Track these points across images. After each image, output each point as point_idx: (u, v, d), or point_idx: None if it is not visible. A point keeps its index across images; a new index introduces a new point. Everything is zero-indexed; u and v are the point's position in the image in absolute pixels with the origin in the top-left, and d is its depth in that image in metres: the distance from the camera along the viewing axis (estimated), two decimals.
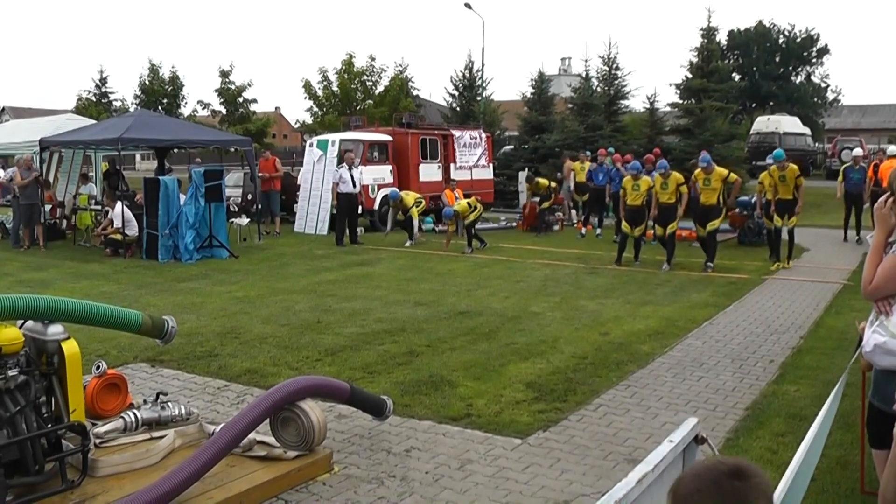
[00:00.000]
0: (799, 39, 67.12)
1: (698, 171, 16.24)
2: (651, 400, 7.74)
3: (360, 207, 21.76)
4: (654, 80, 67.25)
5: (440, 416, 7.22)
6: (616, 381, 8.32)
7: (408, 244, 20.37)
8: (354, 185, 20.89)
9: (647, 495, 2.91)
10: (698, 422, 3.46)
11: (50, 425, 5.43)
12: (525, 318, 11.43)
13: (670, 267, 15.89)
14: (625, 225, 16.53)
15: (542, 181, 23.59)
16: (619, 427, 6.98)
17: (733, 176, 16.45)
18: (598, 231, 22.49)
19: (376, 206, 23.77)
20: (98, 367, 6.49)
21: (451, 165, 26.98)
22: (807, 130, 48.98)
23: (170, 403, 6.53)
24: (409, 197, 20.98)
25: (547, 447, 6.51)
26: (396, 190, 20.98)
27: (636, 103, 34.75)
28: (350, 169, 20.97)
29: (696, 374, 8.58)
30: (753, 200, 19.25)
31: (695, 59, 30.35)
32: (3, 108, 71.22)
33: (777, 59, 66.94)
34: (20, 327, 5.51)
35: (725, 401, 7.70)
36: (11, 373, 5.26)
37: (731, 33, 67.02)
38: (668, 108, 33.22)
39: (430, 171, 26.25)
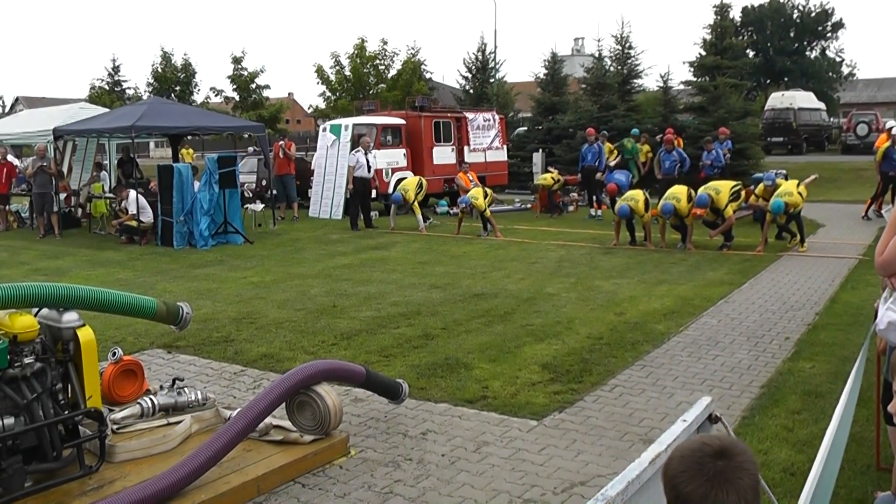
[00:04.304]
0: (813, 14, 66.68)
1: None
2: (667, 379, 7.72)
3: (374, 192, 21.78)
4: (668, 59, 67.27)
5: (456, 399, 7.22)
6: (631, 361, 8.31)
7: (422, 227, 20.15)
8: (369, 170, 20.92)
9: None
10: (712, 401, 3.45)
11: (67, 412, 5.47)
12: (540, 299, 11.43)
13: (685, 245, 15.97)
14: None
15: (547, 180, 23.48)
16: (635, 407, 6.98)
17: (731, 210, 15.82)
18: (595, 212, 22.33)
19: (390, 190, 23.72)
20: (114, 354, 6.53)
21: (465, 148, 26.95)
22: (822, 105, 48.60)
23: (186, 389, 6.58)
24: (410, 185, 20.83)
25: (563, 428, 6.51)
26: (399, 194, 20.79)
27: (650, 82, 34.62)
28: (366, 153, 20.98)
29: (711, 353, 8.56)
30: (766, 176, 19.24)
31: (708, 37, 30.21)
32: (17, 98, 71.50)
33: (791, 35, 66.51)
34: (35, 315, 5.54)
35: (741, 379, 7.68)
36: (28, 360, 5.29)
37: (744, 9, 66.64)
38: (681, 87, 33.07)
39: (443, 154, 26.23)
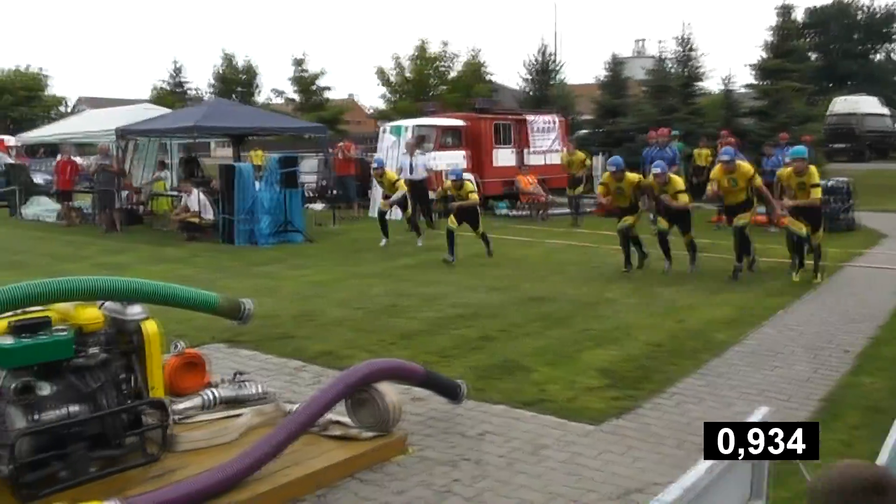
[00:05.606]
0: (879, 15, 65.28)
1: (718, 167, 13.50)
2: (725, 389, 7.65)
3: (430, 192, 21.82)
4: (731, 61, 66.12)
5: (514, 401, 7.23)
6: (691, 370, 8.24)
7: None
8: (412, 172, 20.95)
9: (717, 484, 2.93)
10: (769, 411, 3.44)
11: (130, 401, 5.61)
12: (600, 304, 11.39)
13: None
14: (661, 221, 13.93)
15: (579, 154, 23.11)
16: (693, 416, 6.93)
17: (758, 180, 13.37)
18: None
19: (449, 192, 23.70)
20: (176, 347, 6.65)
21: (525, 150, 26.91)
22: (887, 111, 47.54)
23: (247, 382, 6.68)
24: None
25: (620, 434, 6.49)
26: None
27: (712, 85, 34.28)
28: (411, 156, 21.06)
29: (770, 364, 8.45)
30: (830, 184, 18.88)
31: (771, 39, 29.84)
32: (79, 99, 72.73)
33: (856, 37, 65.18)
34: (100, 307, 5.69)
35: (800, 391, 7.57)
36: (92, 350, 5.47)
37: (808, 11, 65.44)
38: (744, 90, 32.70)
39: (504, 156, 26.21)
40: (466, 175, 24.10)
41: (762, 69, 30.07)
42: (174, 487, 4.93)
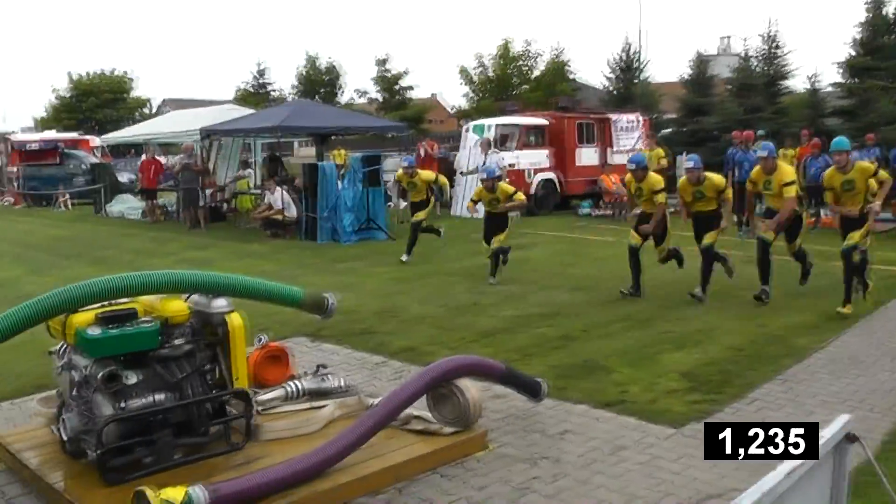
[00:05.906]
0: None
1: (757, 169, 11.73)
2: (805, 396, 7.49)
3: None
4: (817, 59, 64.27)
5: (594, 401, 7.22)
6: (771, 375, 8.09)
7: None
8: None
9: (797, 489, 2.93)
10: (850, 419, 3.40)
11: (215, 391, 5.79)
12: (681, 305, 11.31)
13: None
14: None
15: (657, 150, 22.78)
16: (773, 423, 6.84)
17: (792, 190, 11.17)
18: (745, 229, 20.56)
19: (532, 191, 23.79)
20: (260, 340, 6.81)
21: (608, 149, 26.77)
22: None
23: (330, 376, 6.80)
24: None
25: (700, 438, 6.37)
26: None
27: (798, 83, 33.19)
28: (484, 155, 21.15)
29: (853, 372, 8.23)
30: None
31: (860, 35, 29.07)
32: (164, 101, 74.18)
33: None
34: (186, 301, 5.86)
35: (883, 401, 7.35)
36: (178, 342, 5.66)
37: None
38: (830, 89, 31.88)
39: (587, 156, 26.14)
40: (548, 175, 24.38)
41: (850, 67, 29.28)
42: (257, 475, 5.04)
